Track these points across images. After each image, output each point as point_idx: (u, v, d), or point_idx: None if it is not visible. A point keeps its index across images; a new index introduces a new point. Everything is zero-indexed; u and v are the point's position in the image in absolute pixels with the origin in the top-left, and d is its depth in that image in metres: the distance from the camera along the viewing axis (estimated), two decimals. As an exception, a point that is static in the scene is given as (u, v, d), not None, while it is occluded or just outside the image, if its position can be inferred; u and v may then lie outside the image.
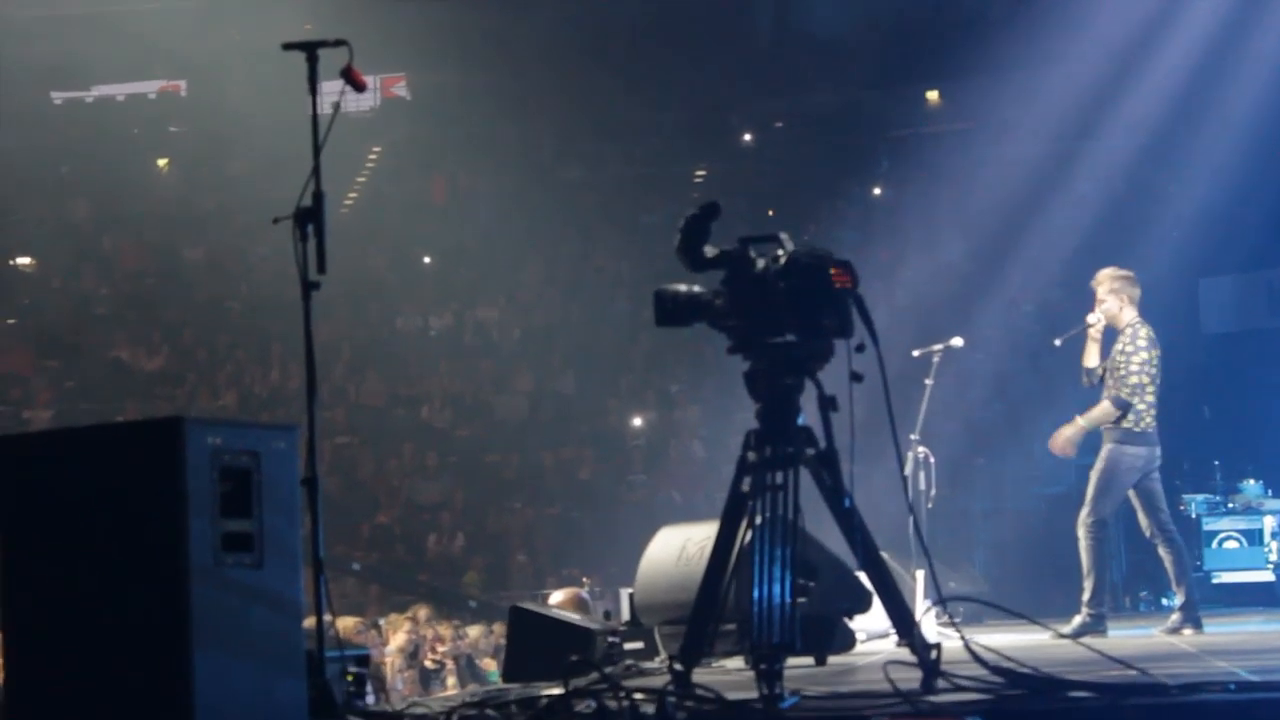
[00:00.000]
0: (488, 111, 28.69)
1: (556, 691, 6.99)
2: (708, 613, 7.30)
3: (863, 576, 7.93)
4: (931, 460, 13.66)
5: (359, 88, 7.72)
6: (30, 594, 6.54)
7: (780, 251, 7.23)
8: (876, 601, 7.66)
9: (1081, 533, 12.11)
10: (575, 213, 28.38)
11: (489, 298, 28.03)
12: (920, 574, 12.40)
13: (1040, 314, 23.76)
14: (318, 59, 7.65)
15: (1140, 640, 11.74)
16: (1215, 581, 18.12)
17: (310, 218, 7.34)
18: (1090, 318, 12.45)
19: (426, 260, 29.78)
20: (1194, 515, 18.50)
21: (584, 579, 19.57)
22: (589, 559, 21.62)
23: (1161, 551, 12.23)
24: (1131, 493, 12.22)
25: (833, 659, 9.86)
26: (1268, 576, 18.12)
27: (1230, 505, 18.78)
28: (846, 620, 10.50)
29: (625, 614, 11.19)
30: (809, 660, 9.41)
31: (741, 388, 7.29)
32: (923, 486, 13.56)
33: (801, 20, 29.25)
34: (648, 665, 9.84)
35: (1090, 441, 12.78)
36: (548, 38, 28.79)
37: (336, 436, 24.77)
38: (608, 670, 7.83)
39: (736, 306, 7.28)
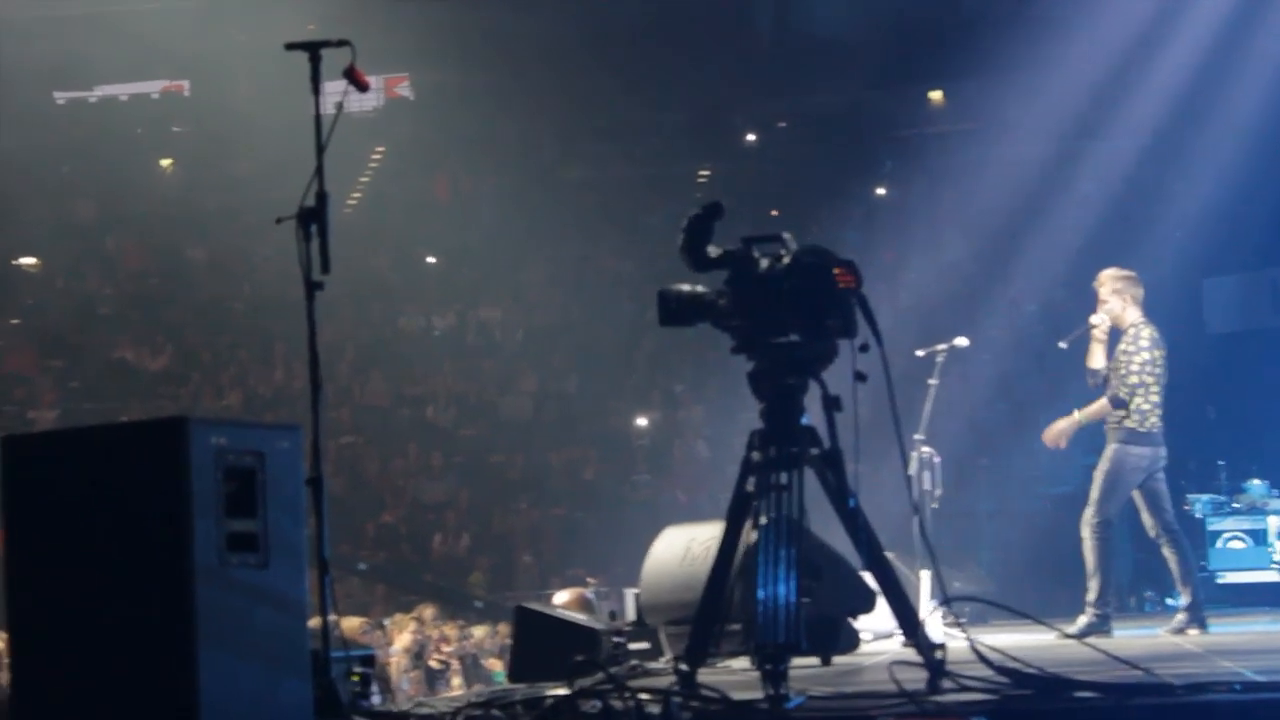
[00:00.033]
0: (491, 112, 28.69)
1: (562, 692, 6.98)
2: (713, 613, 7.29)
3: (867, 576, 7.91)
4: (936, 460, 13.64)
5: (362, 88, 7.72)
6: (35, 594, 6.54)
7: (783, 252, 7.23)
8: (881, 602, 7.64)
9: (1086, 533, 12.09)
10: (578, 213, 28.38)
11: (492, 298, 28.06)
12: (925, 574, 12.39)
13: (1044, 314, 23.77)
14: (321, 59, 7.65)
15: (1145, 640, 11.73)
16: (1220, 582, 18.10)
17: (314, 218, 7.34)
18: (1094, 319, 12.42)
19: (430, 260, 29.80)
20: (1199, 515, 18.49)
21: (589, 579, 19.57)
22: (594, 559, 21.63)
23: (1166, 552, 12.22)
24: (1136, 493, 12.21)
25: (838, 659, 9.85)
26: (1273, 576, 18.10)
27: (1235, 505, 18.76)
28: (851, 620, 10.50)
29: (630, 614, 11.19)
30: (814, 660, 9.41)
31: (745, 388, 7.29)
32: (927, 486, 13.54)
33: (804, 20, 29.25)
34: (653, 665, 9.83)
35: (1095, 442, 12.77)
36: (551, 38, 28.79)
37: (341, 436, 24.78)
38: (613, 670, 7.83)
39: (740, 306, 7.27)
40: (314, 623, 7.01)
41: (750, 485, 7.12)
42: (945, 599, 8.57)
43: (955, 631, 8.32)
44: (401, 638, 17.26)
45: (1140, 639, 11.94)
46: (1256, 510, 18.56)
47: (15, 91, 27.50)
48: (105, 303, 28.55)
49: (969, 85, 26.09)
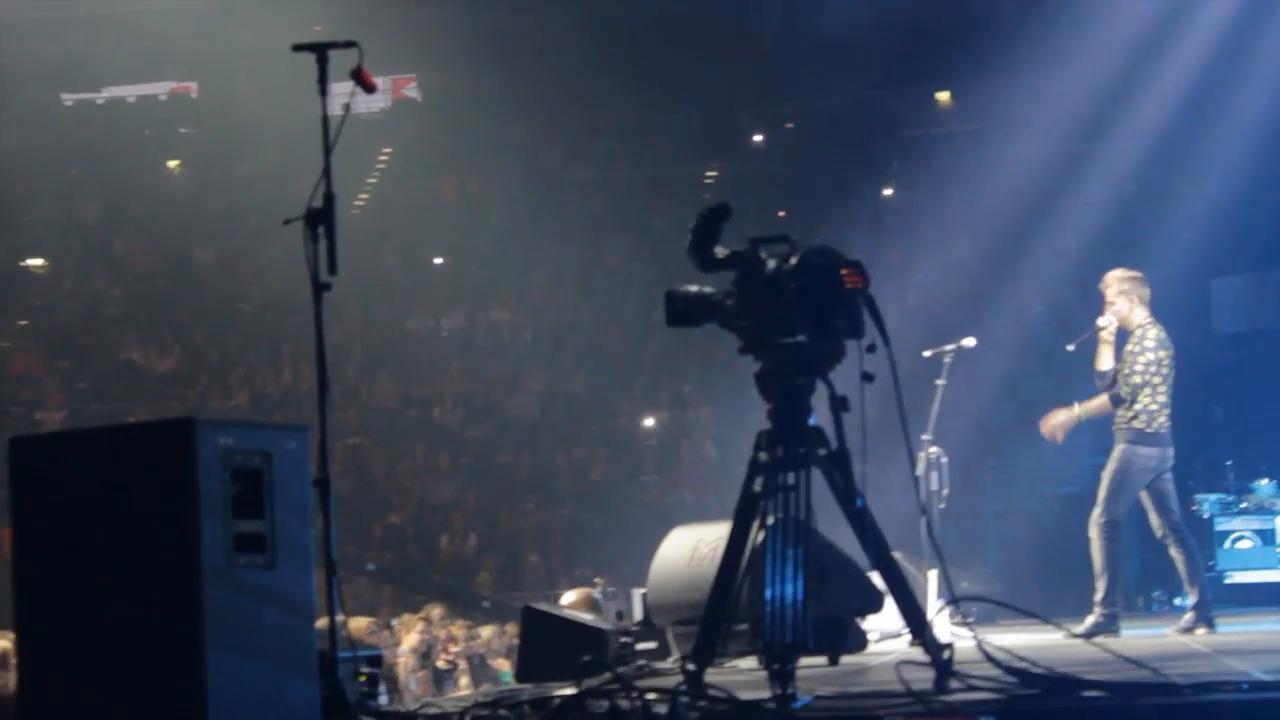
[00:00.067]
0: (498, 113, 28.71)
1: (569, 692, 6.98)
2: (720, 613, 7.29)
3: (875, 576, 7.92)
4: (943, 460, 13.65)
5: (369, 89, 7.72)
6: (43, 595, 6.55)
7: (791, 252, 7.23)
8: (889, 601, 7.65)
9: (1094, 533, 12.09)
10: (586, 214, 28.39)
11: (500, 298, 28.06)
12: (933, 574, 12.41)
13: (1052, 314, 23.76)
14: (328, 60, 7.65)
15: (1153, 640, 11.72)
16: (1228, 581, 18.09)
17: (321, 219, 7.35)
18: (1101, 321, 12.42)
19: (437, 261, 29.81)
20: (1207, 515, 18.48)
21: (596, 579, 19.55)
22: (601, 559, 21.63)
23: (1173, 552, 12.22)
24: (1143, 493, 12.20)
25: (845, 659, 9.85)
26: (1281, 576, 18.11)
27: (1243, 505, 18.76)
28: (859, 620, 10.50)
29: (638, 614, 11.19)
30: (821, 660, 9.40)
31: (753, 388, 7.29)
32: (935, 486, 13.55)
33: (811, 21, 29.26)
34: (660, 665, 9.83)
35: (1103, 442, 12.77)
36: (558, 39, 28.81)
37: (349, 437, 24.80)
38: (620, 670, 7.83)
39: (747, 307, 7.27)
40: (321, 623, 7.01)
41: (758, 485, 7.11)
42: (953, 599, 8.58)
43: (962, 631, 8.31)
44: (409, 638, 17.28)
45: (1148, 639, 11.93)
46: (1264, 510, 18.56)
47: (23, 93, 27.56)
48: (113, 304, 28.56)
49: (976, 86, 26.07)
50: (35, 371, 26.87)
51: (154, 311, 28.09)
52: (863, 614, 10.44)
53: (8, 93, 27.47)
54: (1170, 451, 12.19)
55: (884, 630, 11.56)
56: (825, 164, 29.06)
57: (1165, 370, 12.13)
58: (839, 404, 7.08)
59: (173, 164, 31.64)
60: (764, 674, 6.68)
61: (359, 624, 14.90)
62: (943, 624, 9.60)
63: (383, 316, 27.80)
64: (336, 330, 23.58)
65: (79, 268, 28.88)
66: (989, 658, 6.90)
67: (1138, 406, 12.08)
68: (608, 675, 7.01)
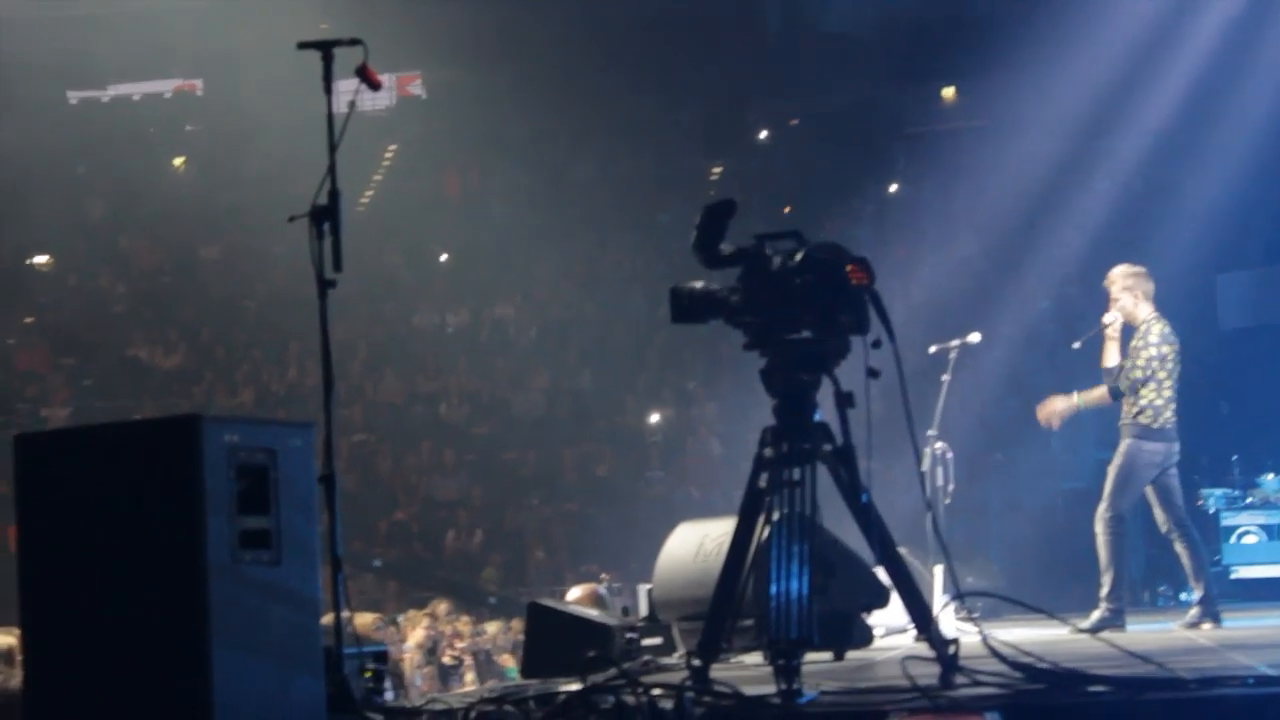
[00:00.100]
0: (503, 110, 28.74)
1: (575, 687, 6.99)
2: (725, 608, 7.30)
3: (880, 572, 7.91)
4: (949, 456, 13.65)
5: (374, 86, 7.73)
6: (49, 592, 6.55)
7: (797, 248, 7.23)
8: (894, 597, 7.65)
9: (1099, 528, 12.09)
10: (590, 210, 28.39)
11: (505, 295, 28.07)
12: (938, 569, 12.40)
13: (1057, 310, 23.74)
14: (333, 58, 7.66)
15: (1159, 635, 11.73)
16: (1234, 576, 18.08)
17: (326, 216, 7.35)
18: (1106, 318, 12.43)
19: (443, 258, 29.83)
20: (1213, 510, 18.48)
21: (602, 575, 19.57)
22: (607, 555, 21.63)
23: (1178, 547, 12.22)
24: (1148, 488, 12.20)
25: (851, 654, 9.84)
26: (1287, 571, 18.11)
27: (1249, 500, 18.75)
28: (864, 616, 10.49)
29: (643, 610, 11.20)
30: (827, 656, 9.41)
31: (758, 384, 7.29)
32: (940, 482, 13.55)
33: (816, 17, 29.29)
34: (666, 661, 9.84)
35: (1109, 437, 12.76)
36: (562, 36, 28.84)
37: (354, 434, 24.81)
38: (626, 666, 7.83)
39: (752, 303, 7.27)
40: (327, 619, 7.01)
41: (763, 481, 7.12)
42: (958, 594, 8.57)
43: (968, 626, 8.32)
44: (415, 634, 17.27)
45: (1154, 634, 11.95)
46: (1270, 505, 18.55)
47: (28, 90, 27.61)
48: (118, 301, 28.58)
49: (981, 82, 26.06)
50: (41, 368, 26.88)
51: (159, 308, 28.11)
52: (868, 609, 10.44)
53: (13, 90, 27.52)
54: (1176, 447, 12.19)
55: (889, 625, 11.55)
56: (830, 160, 29.05)
57: (1170, 365, 12.12)
58: (844, 400, 7.08)
59: (178, 161, 31.68)
60: (769, 669, 6.69)
61: (364, 620, 14.90)
62: (948, 619, 9.60)
63: (388, 313, 27.81)
64: (342, 327, 23.57)
65: (84, 265, 28.89)
66: (994, 653, 6.90)
67: (1143, 402, 12.08)
68: (613, 671, 7.00)
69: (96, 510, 6.44)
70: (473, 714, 6.89)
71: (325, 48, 7.66)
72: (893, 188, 29.24)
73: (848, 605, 9.97)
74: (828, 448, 7.13)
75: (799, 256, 7.16)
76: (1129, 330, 12.32)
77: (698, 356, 25.59)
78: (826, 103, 30.01)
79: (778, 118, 31.15)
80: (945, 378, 13.78)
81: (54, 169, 28.56)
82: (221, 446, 6.36)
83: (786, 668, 6.58)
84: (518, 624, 16.90)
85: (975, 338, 14.07)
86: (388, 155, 31.32)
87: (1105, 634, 10.42)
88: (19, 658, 7.84)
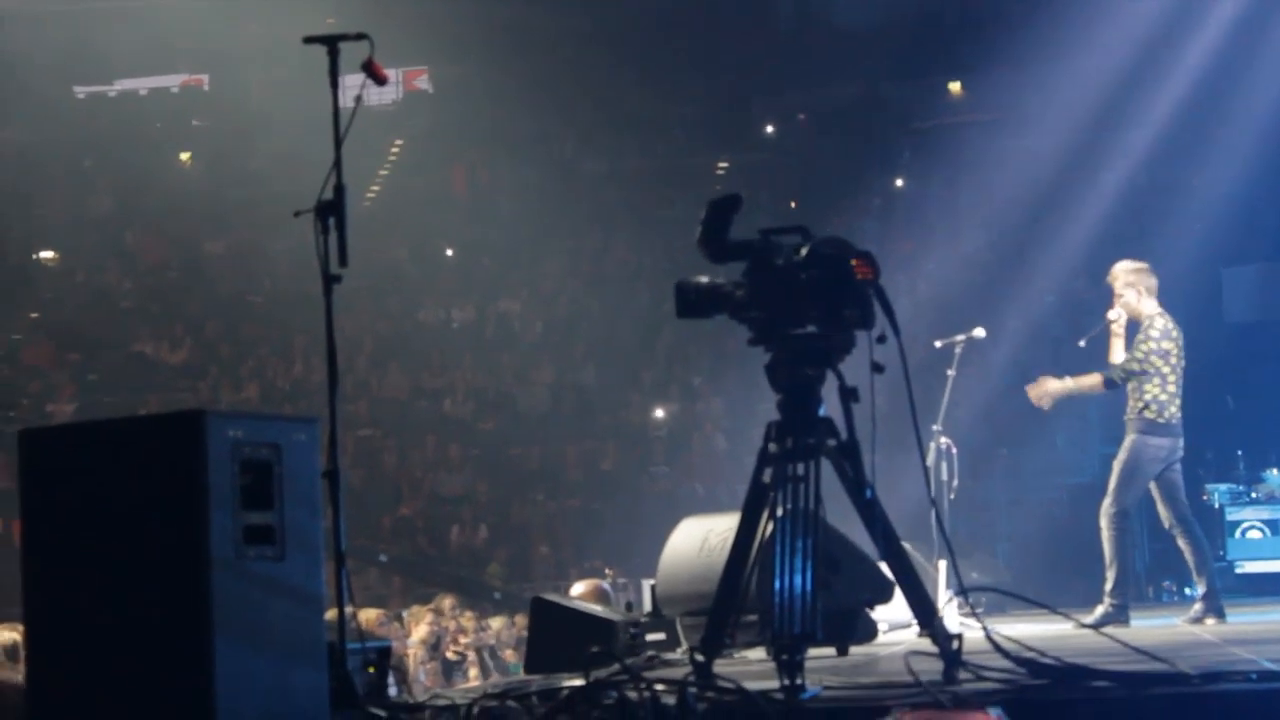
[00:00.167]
0: (509, 105, 28.72)
1: (578, 683, 6.98)
2: (729, 604, 7.29)
3: (884, 567, 7.91)
4: (953, 451, 13.65)
5: (380, 81, 7.72)
6: (52, 587, 6.55)
7: (803, 243, 7.23)
8: (898, 592, 7.64)
9: (1104, 523, 12.09)
10: (596, 205, 28.41)
11: (511, 290, 28.08)
12: (942, 564, 12.40)
13: (1062, 305, 23.74)
14: (339, 53, 7.65)
15: (1163, 630, 11.73)
16: (1238, 571, 18.10)
17: (332, 211, 7.34)
18: (1110, 314, 12.44)
19: (448, 253, 29.84)
20: (1217, 505, 18.50)
21: (606, 570, 19.61)
22: (611, 550, 21.65)
23: (1181, 543, 12.21)
24: (1152, 484, 12.20)
25: (854, 649, 9.84)
26: (1291, 566, 18.12)
27: (1254, 495, 18.77)
28: (868, 611, 10.50)
29: (647, 605, 11.19)
30: (830, 651, 9.40)
31: (763, 379, 7.28)
32: (945, 477, 13.56)
33: (823, 12, 29.28)
34: (669, 656, 9.83)
35: (1114, 432, 12.76)
36: (568, 31, 28.85)
37: (359, 429, 24.82)
38: (629, 661, 7.83)
39: (758, 298, 7.26)
40: (330, 615, 7.02)
41: (767, 476, 7.11)
42: (962, 589, 8.56)
43: (972, 622, 8.31)
44: (419, 629, 17.28)
45: (1157, 629, 11.95)
46: (1275, 500, 18.57)
47: (35, 85, 27.63)
48: (124, 296, 28.60)
49: (988, 77, 26.09)
50: (46, 364, 26.90)
51: (165, 304, 28.13)
52: (872, 605, 10.44)
53: (20, 85, 27.54)
54: (1180, 442, 12.18)
55: (893, 621, 11.55)
56: (836, 155, 29.07)
57: (1174, 360, 12.11)
58: (849, 395, 7.07)
59: (184, 156, 31.70)
60: (773, 665, 6.69)
61: (369, 615, 14.93)
62: (952, 614, 9.60)
63: (393, 308, 27.82)
64: (347, 322, 23.68)
65: (90, 260, 28.91)
66: (998, 648, 6.90)
67: (1148, 397, 12.07)
68: (616, 666, 7.00)
69: (101, 505, 6.43)
70: (476, 709, 6.89)
71: (331, 42, 7.65)
72: (899, 182, 29.24)
73: (851, 600, 9.97)
74: (832, 443, 7.12)
75: (804, 251, 7.15)
76: (1134, 326, 12.32)
77: (703, 352, 25.60)
78: (832, 98, 30.03)
79: (784, 112, 31.17)
80: (950, 372, 13.78)
81: (60, 164, 28.61)
82: (226, 442, 6.35)
83: (790, 663, 6.57)
84: (522, 619, 16.90)
85: (980, 332, 14.07)
86: (394, 150, 31.33)
87: (1109, 629, 10.40)
88: (22, 652, 7.85)
